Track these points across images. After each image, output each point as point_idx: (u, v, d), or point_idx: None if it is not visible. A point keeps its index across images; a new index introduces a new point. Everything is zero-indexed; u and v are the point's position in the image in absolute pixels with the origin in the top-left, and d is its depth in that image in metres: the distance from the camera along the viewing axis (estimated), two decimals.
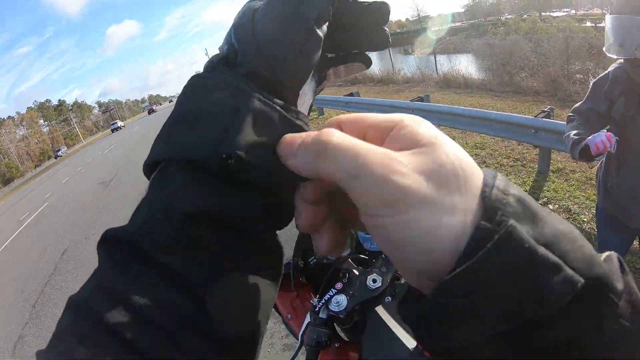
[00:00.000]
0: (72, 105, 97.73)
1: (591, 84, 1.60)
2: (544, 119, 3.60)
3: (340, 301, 0.95)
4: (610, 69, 1.53)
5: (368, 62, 0.34)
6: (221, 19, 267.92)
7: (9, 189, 40.33)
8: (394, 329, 0.90)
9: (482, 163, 4.27)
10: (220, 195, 0.25)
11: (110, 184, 10.88)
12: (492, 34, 14.98)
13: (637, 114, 1.42)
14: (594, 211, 2.86)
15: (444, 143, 0.21)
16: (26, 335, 4.02)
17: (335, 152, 0.21)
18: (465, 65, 12.08)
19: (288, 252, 0.36)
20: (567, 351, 0.17)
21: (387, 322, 0.93)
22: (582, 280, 0.17)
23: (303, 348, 0.99)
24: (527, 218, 0.18)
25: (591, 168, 3.57)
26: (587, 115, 1.58)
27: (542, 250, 0.17)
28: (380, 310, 0.97)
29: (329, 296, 0.99)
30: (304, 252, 1.35)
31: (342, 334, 1.04)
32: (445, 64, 13.28)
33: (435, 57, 14.15)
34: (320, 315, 0.97)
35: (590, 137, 1.42)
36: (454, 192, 0.19)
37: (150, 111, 69.65)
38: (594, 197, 3.08)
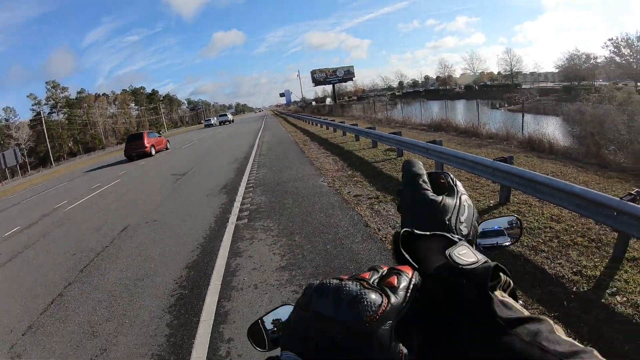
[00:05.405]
0: (163, 97, 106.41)
1: None
2: (629, 202, 3.25)
3: None
4: None
5: None
6: (318, 46, 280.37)
7: (88, 158, 45.60)
8: None
9: (555, 237, 3.97)
10: None
11: (182, 178, 11.75)
12: (584, 100, 14.18)
13: None
14: None
15: None
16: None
17: None
18: (552, 130, 11.44)
19: None
20: None
21: None
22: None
23: None
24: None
25: None
26: None
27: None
28: None
29: None
30: None
31: None
32: (532, 124, 12.70)
33: (523, 116, 13.58)
34: None
35: None
36: None
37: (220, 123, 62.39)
38: None
